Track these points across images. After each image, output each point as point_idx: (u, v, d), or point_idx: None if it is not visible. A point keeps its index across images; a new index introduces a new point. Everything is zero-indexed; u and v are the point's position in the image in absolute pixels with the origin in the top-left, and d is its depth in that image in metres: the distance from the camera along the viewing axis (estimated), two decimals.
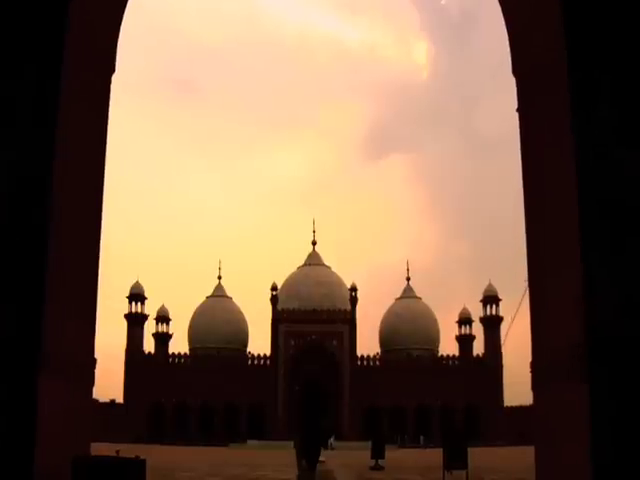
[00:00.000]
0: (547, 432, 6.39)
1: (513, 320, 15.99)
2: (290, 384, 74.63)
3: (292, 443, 12.29)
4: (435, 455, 32.01)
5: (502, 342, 73.24)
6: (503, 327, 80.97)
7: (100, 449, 8.06)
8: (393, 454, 33.34)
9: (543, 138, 6.62)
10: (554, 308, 6.27)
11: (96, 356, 7.22)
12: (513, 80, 7.52)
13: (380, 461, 23.98)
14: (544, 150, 6.59)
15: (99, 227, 7.28)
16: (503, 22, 7.56)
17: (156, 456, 34.44)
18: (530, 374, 6.78)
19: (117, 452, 5.99)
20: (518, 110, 7.37)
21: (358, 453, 37.25)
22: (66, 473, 5.67)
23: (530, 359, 6.84)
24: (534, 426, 6.75)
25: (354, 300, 79.68)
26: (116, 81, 7.40)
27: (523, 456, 37.07)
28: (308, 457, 10.80)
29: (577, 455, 5.52)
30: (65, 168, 6.17)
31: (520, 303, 16.31)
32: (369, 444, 27.00)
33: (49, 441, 5.79)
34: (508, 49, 7.68)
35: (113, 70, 7.50)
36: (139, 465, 5.76)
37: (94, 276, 7.17)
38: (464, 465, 15.68)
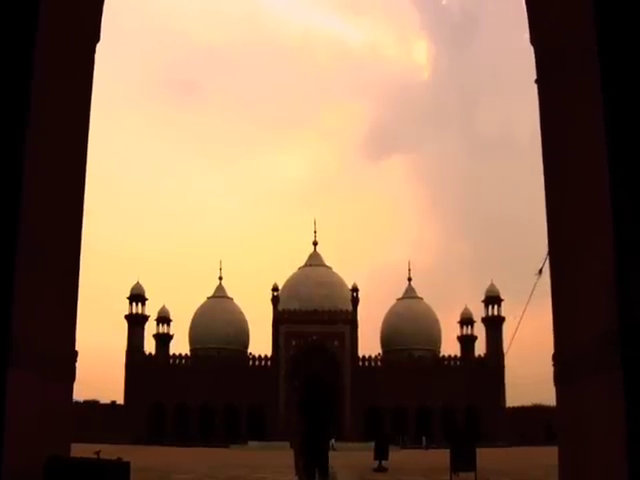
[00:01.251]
0: (574, 429, 5.80)
1: (519, 323, 15.43)
2: (291, 385, 74.15)
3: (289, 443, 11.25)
4: (438, 456, 31.52)
5: (505, 351, 72.52)
6: (505, 327, 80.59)
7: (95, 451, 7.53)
8: (395, 455, 32.79)
9: (567, 108, 6.07)
10: (581, 295, 5.69)
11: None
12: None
13: (383, 462, 23.46)
14: (568, 120, 6.05)
15: (81, 211, 6.68)
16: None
17: (155, 457, 33.97)
18: (553, 367, 6.22)
19: (97, 453, 5.45)
20: (537, 81, 6.84)
21: (360, 454, 36.73)
22: (40, 475, 5.14)
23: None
24: (558, 423, 6.18)
25: (355, 300, 79.28)
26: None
27: (527, 457, 36.63)
28: (313, 461, 9.58)
29: (610, 454, 4.97)
30: (41, 145, 5.60)
31: (528, 300, 15.67)
32: (370, 445, 26.48)
33: (21, 441, 5.23)
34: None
35: (97, 39, 6.93)
36: (121, 468, 5.22)
37: (75, 263, 6.59)
38: (472, 467, 15.14)
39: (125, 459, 5.39)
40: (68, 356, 6.45)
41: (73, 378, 6.55)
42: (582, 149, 5.64)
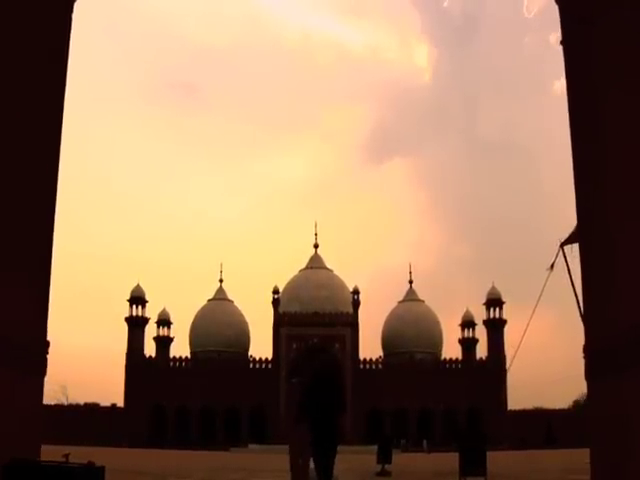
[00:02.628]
0: (610, 428, 5.17)
1: (528, 325, 14.85)
2: (290, 383, 73.57)
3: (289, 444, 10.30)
4: (441, 460, 30.96)
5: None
6: (507, 330, 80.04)
7: (97, 454, 6.90)
8: (397, 459, 32.11)
9: (599, 65, 5.46)
10: (618, 282, 5.05)
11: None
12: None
13: (387, 466, 22.81)
14: (601, 80, 5.43)
15: (53, 197, 6.02)
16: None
17: (153, 460, 33.40)
18: (584, 360, 5.58)
19: (66, 456, 4.84)
20: (562, 42, 6.23)
21: (361, 457, 36.10)
22: None
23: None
24: (590, 423, 5.55)
25: (356, 303, 79.01)
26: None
27: (530, 460, 36.01)
28: (319, 464, 8.87)
29: None
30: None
31: (539, 297, 15.06)
32: (372, 448, 25.90)
33: None
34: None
35: None
36: (93, 473, 4.59)
37: (47, 245, 5.94)
38: (482, 471, 14.46)
39: (99, 463, 4.78)
40: (37, 347, 5.78)
41: (43, 372, 5.89)
42: (620, 111, 5.02)
